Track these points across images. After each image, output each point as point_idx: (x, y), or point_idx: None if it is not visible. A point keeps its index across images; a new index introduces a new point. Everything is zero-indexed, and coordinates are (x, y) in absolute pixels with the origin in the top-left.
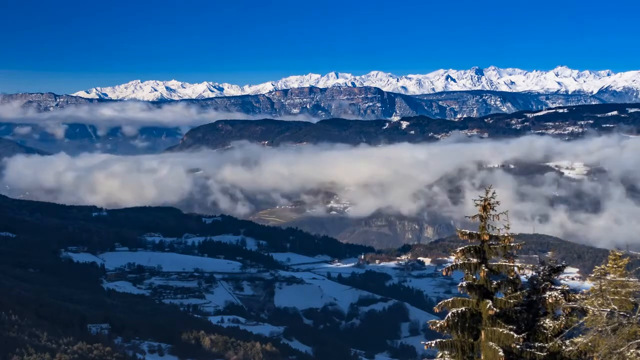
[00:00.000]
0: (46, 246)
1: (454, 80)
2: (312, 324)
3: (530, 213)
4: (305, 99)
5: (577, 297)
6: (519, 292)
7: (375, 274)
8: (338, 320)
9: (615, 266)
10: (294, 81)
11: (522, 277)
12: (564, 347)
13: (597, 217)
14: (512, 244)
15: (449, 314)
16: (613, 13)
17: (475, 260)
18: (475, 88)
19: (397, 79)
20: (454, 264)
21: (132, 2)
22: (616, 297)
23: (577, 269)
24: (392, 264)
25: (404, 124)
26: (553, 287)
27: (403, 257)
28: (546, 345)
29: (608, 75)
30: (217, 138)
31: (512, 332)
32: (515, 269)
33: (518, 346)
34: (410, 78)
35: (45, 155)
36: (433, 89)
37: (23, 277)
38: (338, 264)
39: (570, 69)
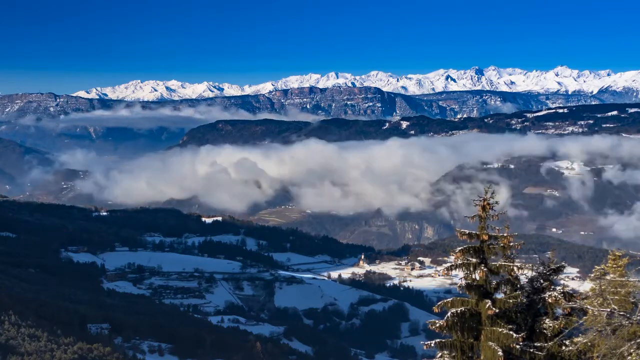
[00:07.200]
0: (46, 246)
1: (454, 80)
2: (312, 324)
3: (530, 213)
4: (305, 99)
5: (577, 297)
6: (518, 292)
7: (375, 273)
8: (338, 320)
9: (614, 266)
10: (294, 81)
11: (522, 277)
12: (563, 347)
13: (598, 217)
14: (511, 244)
15: (449, 314)
16: (613, 13)
17: (474, 260)
18: (475, 88)
19: (397, 79)
20: (453, 264)
21: (132, 1)
22: (616, 297)
23: (577, 269)
24: (392, 264)
25: (404, 124)
26: (553, 287)
27: (403, 257)
28: (546, 345)
29: (608, 75)
30: (217, 138)
31: (511, 332)
32: (515, 268)
33: (518, 346)
34: (410, 78)
35: (44, 155)
36: (433, 89)
37: (23, 277)
38: (338, 264)
39: (570, 69)
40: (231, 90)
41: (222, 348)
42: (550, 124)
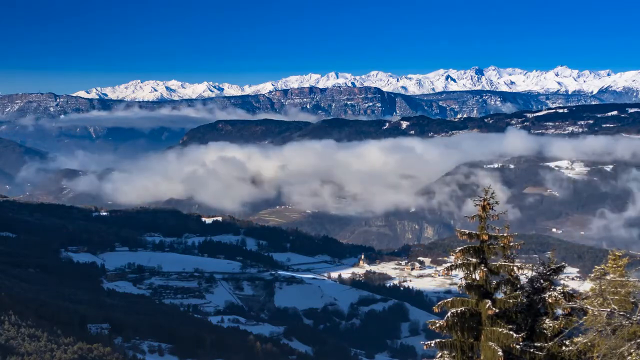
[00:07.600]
0: (46, 246)
1: (454, 80)
2: (312, 324)
3: (530, 213)
4: (305, 99)
5: (577, 297)
6: (518, 292)
7: (375, 273)
8: (338, 320)
9: (614, 266)
10: (294, 81)
11: (522, 277)
12: (563, 347)
13: (597, 217)
14: (511, 244)
15: (449, 314)
16: (613, 13)
17: (474, 260)
18: (475, 88)
19: (397, 79)
20: (453, 264)
21: (132, 1)
22: (616, 297)
23: (577, 269)
24: (392, 264)
25: (404, 124)
26: (553, 287)
27: (403, 257)
28: (546, 345)
29: (608, 75)
30: (217, 138)
31: (511, 332)
32: (515, 268)
33: (518, 346)
34: (410, 78)
35: (44, 155)
36: (433, 89)
37: (23, 277)
38: (338, 264)
39: (570, 69)
40: (231, 90)
41: (222, 348)
42: (550, 124)
